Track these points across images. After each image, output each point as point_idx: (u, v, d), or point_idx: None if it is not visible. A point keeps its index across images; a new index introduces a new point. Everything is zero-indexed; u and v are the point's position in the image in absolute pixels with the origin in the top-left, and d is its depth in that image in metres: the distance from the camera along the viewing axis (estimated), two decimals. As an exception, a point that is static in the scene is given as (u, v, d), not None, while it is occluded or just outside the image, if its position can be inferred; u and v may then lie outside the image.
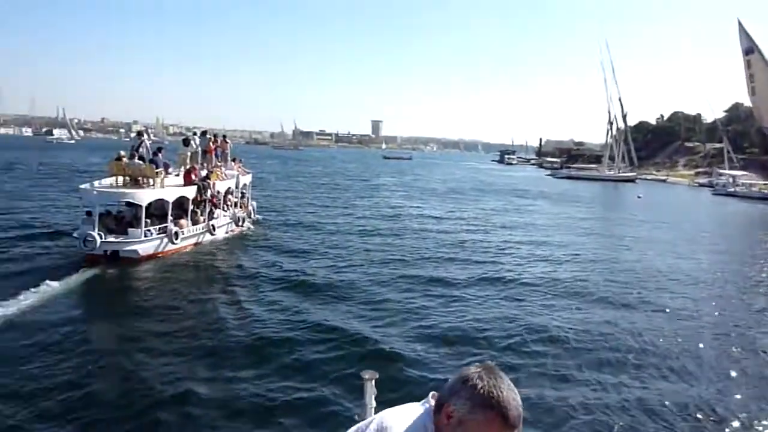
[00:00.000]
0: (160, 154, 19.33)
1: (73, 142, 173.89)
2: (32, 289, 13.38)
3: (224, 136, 26.31)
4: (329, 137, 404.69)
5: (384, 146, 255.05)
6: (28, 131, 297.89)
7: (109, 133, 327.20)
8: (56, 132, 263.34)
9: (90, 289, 14.43)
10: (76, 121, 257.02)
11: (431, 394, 2.12)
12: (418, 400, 2.13)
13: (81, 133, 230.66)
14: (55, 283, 13.98)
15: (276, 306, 13.40)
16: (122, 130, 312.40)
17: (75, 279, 14.93)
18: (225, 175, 23.25)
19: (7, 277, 14.62)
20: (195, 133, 23.83)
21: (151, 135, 20.64)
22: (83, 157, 75.82)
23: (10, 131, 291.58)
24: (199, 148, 22.65)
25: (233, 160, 25.28)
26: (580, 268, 18.14)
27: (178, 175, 21.07)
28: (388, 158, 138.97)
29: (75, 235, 17.67)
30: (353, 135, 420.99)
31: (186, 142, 22.32)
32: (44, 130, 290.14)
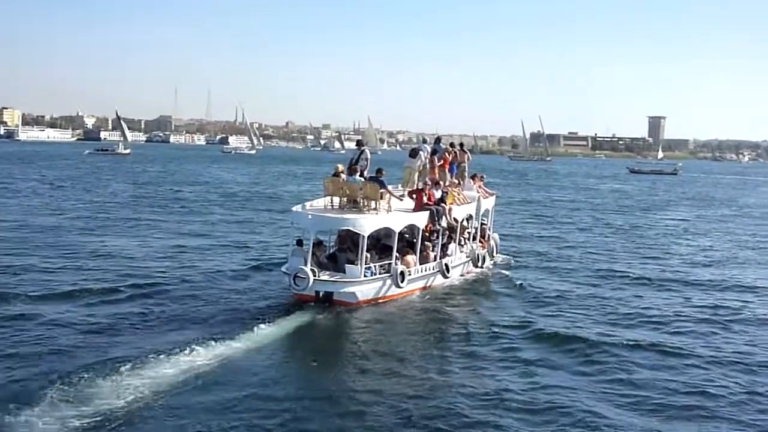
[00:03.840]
0: (383, 173, 20.59)
1: (254, 152, 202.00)
2: (240, 333, 15.80)
3: (461, 145, 27.47)
4: (582, 142, 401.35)
5: (661, 154, 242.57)
6: (200, 139, 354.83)
7: (294, 141, 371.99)
8: (232, 140, 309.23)
9: (301, 338, 16.44)
10: (256, 125, 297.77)
11: None
12: None
13: (261, 140, 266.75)
14: (264, 327, 16.38)
15: (530, 380, 14.08)
16: (310, 137, 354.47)
17: (285, 325, 16.94)
18: (463, 197, 24.15)
19: (212, 317, 17.53)
20: (425, 141, 25.38)
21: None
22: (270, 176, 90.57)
23: (182, 139, 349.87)
24: (427, 161, 23.83)
25: (473, 177, 26.26)
26: None
27: (402, 197, 22.30)
28: (637, 172, 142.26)
29: (284, 269, 19.53)
30: (619, 138, 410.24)
31: (414, 153, 23.72)
32: (218, 137, 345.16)
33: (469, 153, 27.13)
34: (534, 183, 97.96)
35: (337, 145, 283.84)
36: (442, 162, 24.11)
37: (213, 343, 15.16)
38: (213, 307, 18.69)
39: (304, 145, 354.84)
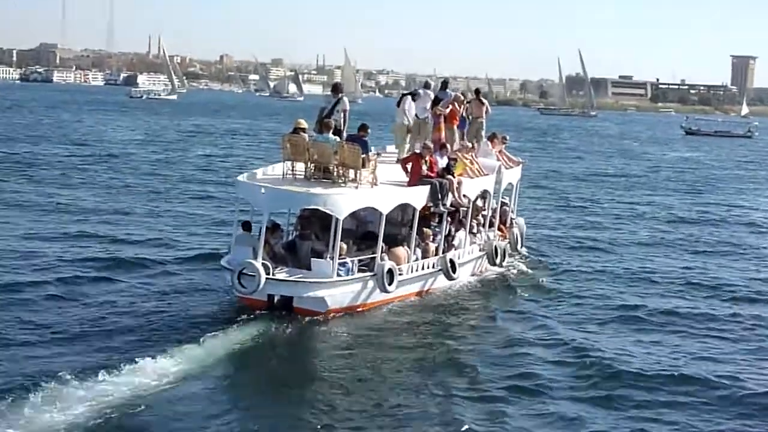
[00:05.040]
0: (366, 132, 21.08)
1: (174, 97, 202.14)
2: (167, 351, 16.18)
3: (477, 92, 28.09)
4: (639, 90, 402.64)
5: (745, 109, 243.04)
6: (98, 78, 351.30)
7: (231, 82, 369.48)
8: (143, 80, 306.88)
9: (242, 364, 16.63)
10: (178, 59, 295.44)
11: None
12: None
13: (185, 81, 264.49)
14: (189, 348, 16.52)
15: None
16: (254, 77, 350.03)
17: (219, 345, 16.97)
18: (478, 167, 24.32)
19: (131, 331, 17.86)
20: (426, 85, 25.56)
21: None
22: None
23: (71, 78, 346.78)
24: (428, 114, 24.20)
25: (491, 138, 26.47)
26: None
27: (394, 162, 22.82)
28: (694, 133, 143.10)
29: (224, 263, 19.75)
30: (690, 87, 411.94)
31: (411, 97, 24.64)
32: (123, 76, 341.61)
33: (487, 104, 27.44)
34: (571, 147, 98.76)
35: (292, 88, 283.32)
36: (447, 115, 24.35)
37: (119, 369, 15.34)
38: (109, 322, 18.71)
39: (245, 87, 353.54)
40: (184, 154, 64.58)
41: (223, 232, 28.12)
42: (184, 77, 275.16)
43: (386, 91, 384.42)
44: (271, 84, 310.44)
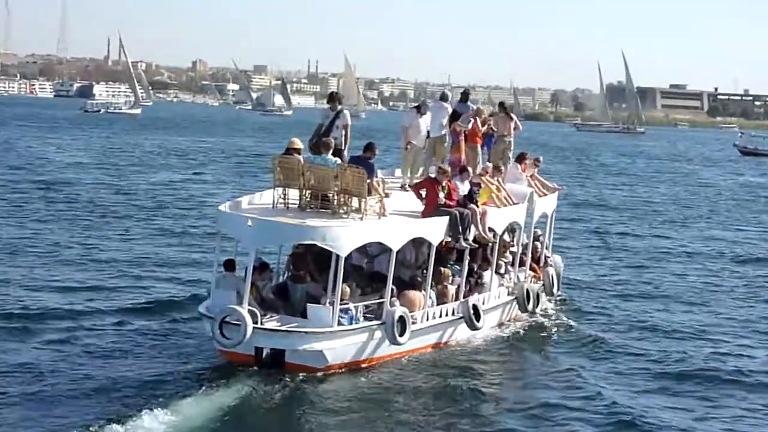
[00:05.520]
0: (374, 153, 21.26)
1: (137, 111, 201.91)
2: (132, 419, 16.09)
3: (501, 105, 28.20)
4: (693, 101, 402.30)
5: None
6: (46, 88, 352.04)
7: (205, 93, 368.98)
8: (100, 91, 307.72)
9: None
10: (142, 66, 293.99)
11: None
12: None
13: (151, 92, 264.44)
14: (164, 414, 16.44)
15: None
16: (232, 87, 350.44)
17: (196, 409, 16.93)
18: (506, 194, 24.37)
19: (88, 397, 17.75)
20: (443, 97, 26.01)
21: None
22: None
23: (14, 88, 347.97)
24: (445, 131, 24.54)
25: (519, 159, 26.86)
26: None
27: (405, 188, 23.20)
28: (751, 153, 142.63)
29: (202, 310, 19.63)
30: (755, 98, 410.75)
31: (421, 110, 24.89)
32: (77, 85, 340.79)
33: (516, 119, 27.49)
34: (613, 170, 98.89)
35: (278, 100, 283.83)
36: (469, 132, 24.56)
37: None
38: (60, 391, 18.50)
39: (222, 99, 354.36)
40: (147, 178, 64.77)
41: (199, 273, 28.08)
42: (150, 87, 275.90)
43: (391, 103, 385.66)
44: (254, 95, 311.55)
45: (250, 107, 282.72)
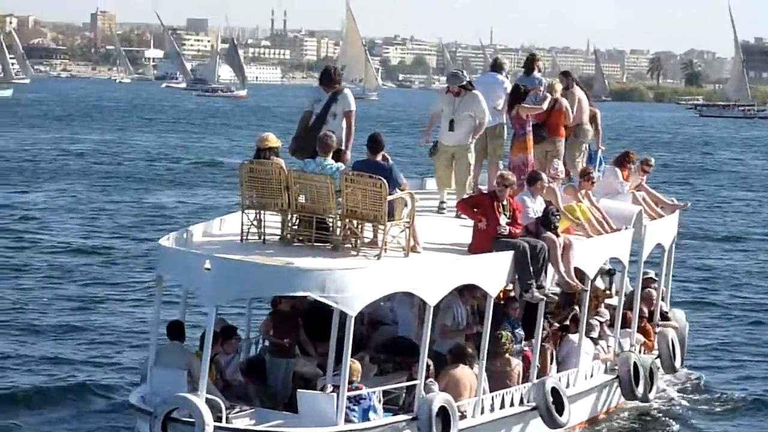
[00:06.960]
0: (383, 153, 21.57)
1: (8, 94, 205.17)
2: None
3: (566, 74, 29.22)
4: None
5: None
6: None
7: (110, 64, 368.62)
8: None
9: None
10: (12, 23, 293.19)
11: None
12: None
13: (28, 64, 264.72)
14: None
15: None
16: (154, 54, 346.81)
17: None
18: (601, 217, 24.94)
19: None
20: (497, 66, 27.30)
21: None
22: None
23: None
24: (502, 118, 25.47)
25: (622, 160, 28.01)
26: None
27: (442, 208, 23.83)
28: None
29: (133, 401, 20.01)
30: None
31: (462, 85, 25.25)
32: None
33: (582, 97, 28.21)
34: (754, 182, 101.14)
35: (225, 73, 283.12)
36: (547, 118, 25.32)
37: None
38: None
39: (138, 73, 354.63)
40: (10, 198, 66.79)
41: (129, 342, 28.14)
42: (25, 56, 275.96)
43: (401, 76, 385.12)
44: (188, 66, 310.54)
45: (182, 85, 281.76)
